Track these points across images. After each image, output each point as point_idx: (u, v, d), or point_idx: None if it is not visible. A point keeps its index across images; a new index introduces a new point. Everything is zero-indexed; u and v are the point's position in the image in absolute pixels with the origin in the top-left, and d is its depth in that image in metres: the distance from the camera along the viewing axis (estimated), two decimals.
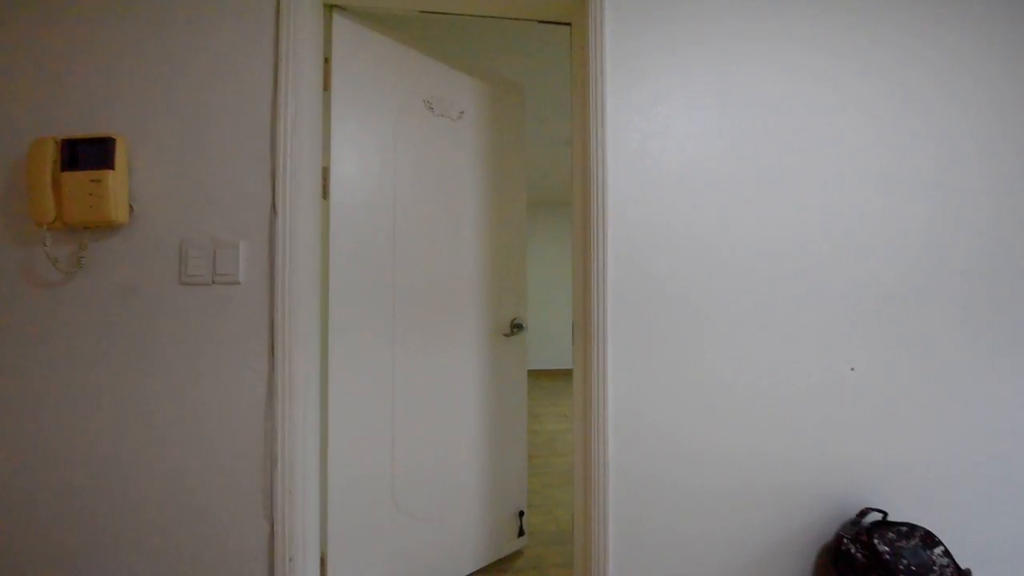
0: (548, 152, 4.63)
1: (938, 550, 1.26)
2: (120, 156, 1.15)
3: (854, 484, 1.37)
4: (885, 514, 1.33)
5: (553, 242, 6.92)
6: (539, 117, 3.66)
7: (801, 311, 1.36)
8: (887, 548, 1.23)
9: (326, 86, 1.42)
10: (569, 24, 1.51)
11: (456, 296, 1.70)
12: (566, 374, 6.56)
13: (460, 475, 1.69)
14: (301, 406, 1.22)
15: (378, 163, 1.52)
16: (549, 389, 5.56)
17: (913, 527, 1.29)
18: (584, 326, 1.35)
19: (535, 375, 6.52)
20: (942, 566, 1.22)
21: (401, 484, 1.54)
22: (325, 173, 1.41)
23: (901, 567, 1.20)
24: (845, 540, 1.29)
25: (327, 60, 1.42)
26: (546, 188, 6.12)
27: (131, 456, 1.18)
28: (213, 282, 1.19)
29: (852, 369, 1.37)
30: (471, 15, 1.48)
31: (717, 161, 1.34)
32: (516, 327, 1.85)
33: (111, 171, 1.13)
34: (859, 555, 1.25)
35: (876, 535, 1.26)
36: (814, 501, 1.36)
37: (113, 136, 1.14)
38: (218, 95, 1.22)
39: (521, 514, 1.89)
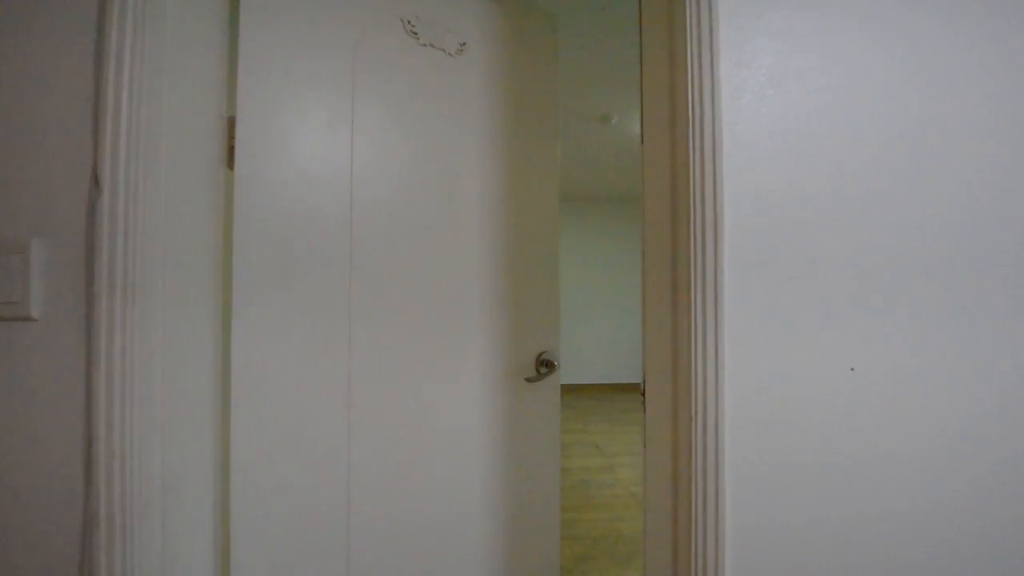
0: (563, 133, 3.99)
1: None
2: None
3: None
4: None
5: (576, 242, 6.28)
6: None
7: None
8: None
9: None
10: None
11: (453, 321, 1.11)
12: (598, 390, 5.89)
13: None
14: (155, 542, 0.66)
15: (325, 114, 0.95)
16: (575, 409, 4.91)
17: None
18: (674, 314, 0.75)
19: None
20: None
21: None
22: (230, 127, 0.84)
23: None
24: None
25: None
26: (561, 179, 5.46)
27: None
28: None
29: None
30: None
31: (905, 86, 0.73)
32: (545, 365, 1.26)
33: None
34: None
35: None
36: None
37: None
38: None
39: None
